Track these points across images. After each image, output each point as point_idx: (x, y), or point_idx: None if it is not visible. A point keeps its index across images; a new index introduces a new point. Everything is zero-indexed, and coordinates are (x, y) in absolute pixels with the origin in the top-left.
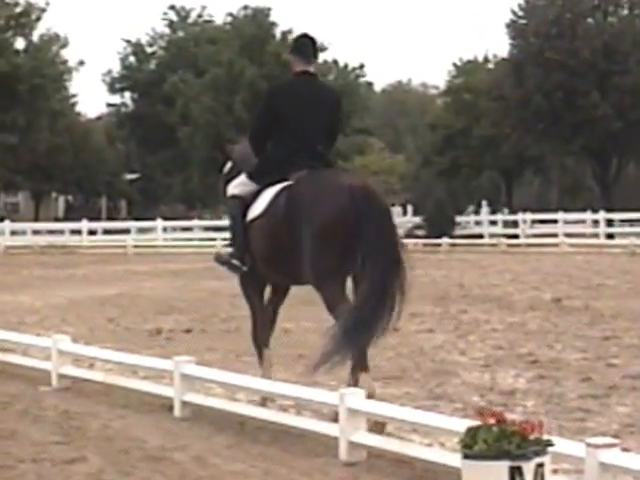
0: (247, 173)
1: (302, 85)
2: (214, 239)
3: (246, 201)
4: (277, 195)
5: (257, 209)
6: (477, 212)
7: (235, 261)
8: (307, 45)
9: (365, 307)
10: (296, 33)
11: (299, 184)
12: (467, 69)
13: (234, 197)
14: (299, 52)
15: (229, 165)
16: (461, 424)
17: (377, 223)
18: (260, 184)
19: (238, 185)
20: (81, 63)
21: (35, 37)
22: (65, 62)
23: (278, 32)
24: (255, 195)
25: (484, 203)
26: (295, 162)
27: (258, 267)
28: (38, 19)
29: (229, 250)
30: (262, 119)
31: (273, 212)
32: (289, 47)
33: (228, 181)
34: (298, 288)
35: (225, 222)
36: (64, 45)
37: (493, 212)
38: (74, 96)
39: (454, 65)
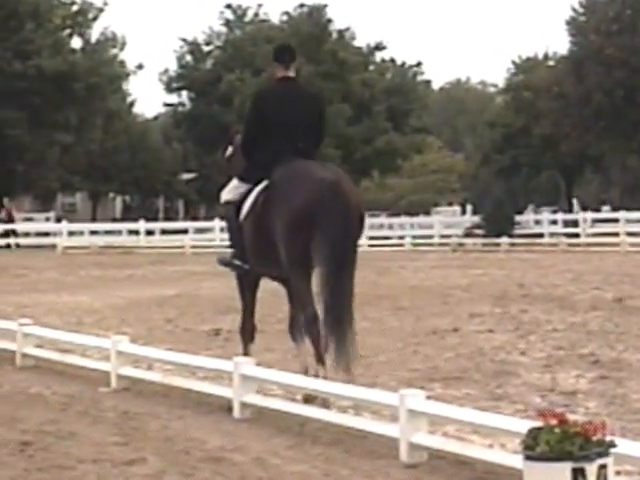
0: (238, 176)
1: (283, 90)
2: None
3: (238, 203)
4: (258, 194)
5: (245, 209)
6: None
7: (237, 261)
8: (285, 52)
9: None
10: (353, 31)
11: (275, 181)
12: (527, 67)
13: (227, 203)
14: (278, 59)
15: (230, 150)
16: (522, 425)
17: (339, 216)
18: (250, 185)
19: (230, 190)
20: (139, 67)
21: (92, 37)
22: (123, 64)
23: (334, 30)
24: (245, 196)
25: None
26: (279, 161)
27: (250, 263)
28: (95, 18)
29: (230, 251)
30: (250, 124)
31: (255, 210)
32: (345, 45)
33: (228, 168)
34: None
35: None
36: (122, 46)
37: (555, 212)
38: (132, 99)
39: (513, 63)
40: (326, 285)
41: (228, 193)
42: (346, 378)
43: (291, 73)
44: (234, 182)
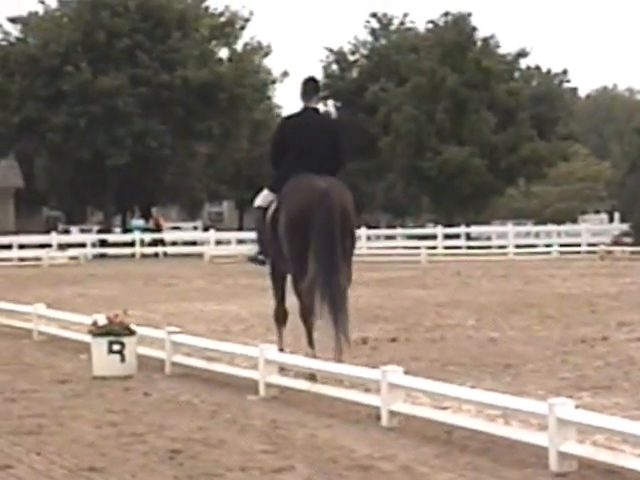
0: (268, 186)
1: (305, 118)
2: (418, 247)
3: (265, 208)
4: (274, 201)
5: (269, 213)
6: None
7: (260, 256)
8: (309, 87)
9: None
10: (497, 39)
11: (283, 191)
12: None
13: (258, 208)
14: (303, 93)
15: None
16: None
17: (325, 221)
18: (275, 194)
19: (261, 197)
20: (285, 74)
21: (239, 46)
22: (268, 71)
23: (479, 38)
24: (271, 203)
25: None
26: (292, 175)
27: (271, 258)
28: (242, 28)
29: (256, 249)
30: (275, 145)
31: (270, 214)
32: (489, 54)
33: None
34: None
35: (429, 230)
36: (267, 54)
37: None
38: (278, 107)
39: None
40: (317, 278)
41: (259, 200)
42: (338, 358)
43: (312, 104)
44: (265, 191)
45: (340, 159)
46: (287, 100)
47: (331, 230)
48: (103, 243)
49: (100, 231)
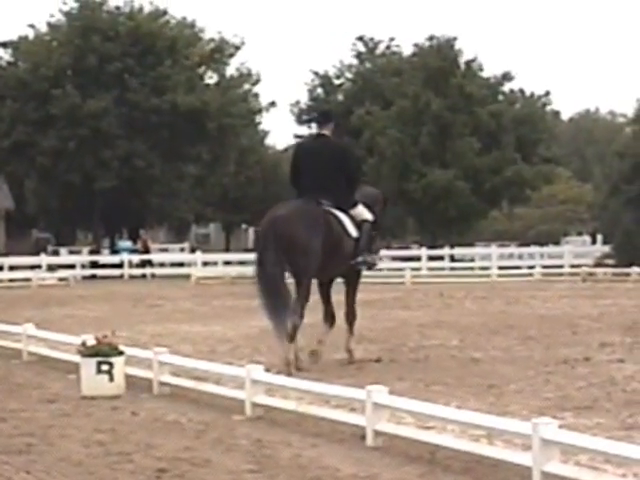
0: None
1: (316, 143)
2: (402, 269)
3: None
4: None
5: None
6: None
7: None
8: (322, 116)
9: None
10: (480, 62)
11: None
12: None
13: None
14: (317, 121)
15: None
16: None
17: (277, 242)
18: None
19: None
20: (272, 104)
21: (228, 73)
22: (256, 98)
23: (463, 61)
24: None
25: None
26: (304, 195)
27: None
28: (231, 56)
29: None
30: (291, 166)
31: None
32: (472, 76)
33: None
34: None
35: (413, 252)
36: (256, 81)
37: None
38: (264, 132)
39: None
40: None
41: None
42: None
43: (325, 131)
44: None
45: (350, 178)
46: (274, 126)
47: (265, 251)
48: (93, 264)
49: (92, 252)
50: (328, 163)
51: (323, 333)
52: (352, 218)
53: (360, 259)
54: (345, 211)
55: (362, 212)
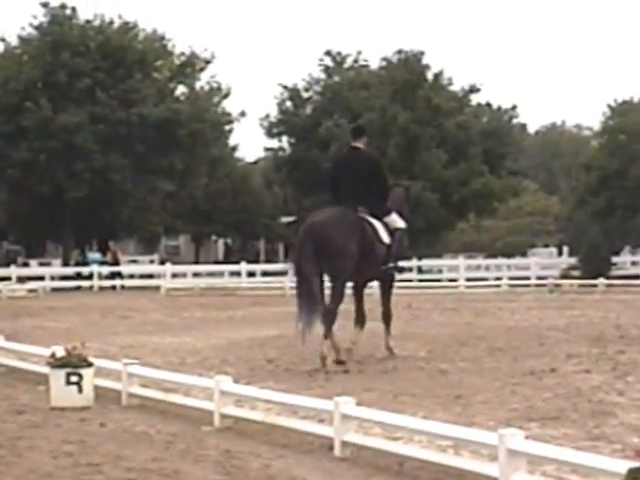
0: None
1: (350, 155)
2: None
3: None
4: None
5: None
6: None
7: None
8: (356, 131)
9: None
10: (447, 75)
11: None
12: (622, 110)
13: None
14: (351, 135)
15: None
16: (621, 465)
17: (315, 245)
18: None
19: None
20: (242, 114)
21: (197, 86)
22: (227, 113)
23: (430, 74)
24: None
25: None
26: (341, 203)
27: None
28: (202, 69)
29: None
30: (329, 178)
31: None
32: (439, 89)
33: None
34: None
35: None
36: (226, 95)
37: None
38: (234, 144)
39: (609, 106)
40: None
41: None
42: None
43: (358, 144)
44: None
45: (382, 186)
46: (244, 139)
47: (304, 254)
48: (64, 276)
49: (66, 264)
50: (362, 173)
51: (355, 334)
52: (385, 225)
53: (391, 264)
54: (379, 218)
55: (395, 220)
